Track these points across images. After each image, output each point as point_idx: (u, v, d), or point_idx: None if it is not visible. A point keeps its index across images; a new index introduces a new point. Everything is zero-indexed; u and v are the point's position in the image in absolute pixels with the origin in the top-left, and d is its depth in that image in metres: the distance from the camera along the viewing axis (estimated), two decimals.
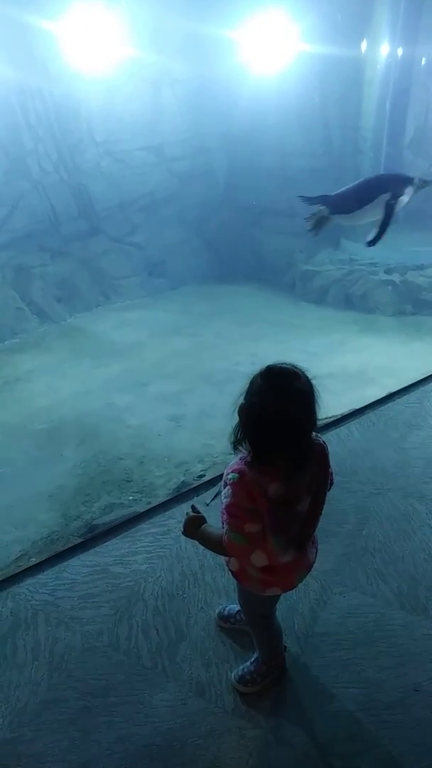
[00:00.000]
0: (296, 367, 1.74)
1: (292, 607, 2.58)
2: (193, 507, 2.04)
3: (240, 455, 1.84)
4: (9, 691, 2.34)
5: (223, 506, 1.83)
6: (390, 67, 9.22)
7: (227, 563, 2.05)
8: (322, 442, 1.91)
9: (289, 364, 1.75)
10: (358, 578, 2.75)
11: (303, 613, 2.57)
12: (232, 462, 1.87)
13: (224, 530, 1.85)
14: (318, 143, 10.15)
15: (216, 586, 2.73)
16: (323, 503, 1.94)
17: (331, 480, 1.98)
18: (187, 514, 2.01)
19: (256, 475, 1.77)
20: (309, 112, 9.84)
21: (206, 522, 1.99)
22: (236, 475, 1.79)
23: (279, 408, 1.70)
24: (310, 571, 2.07)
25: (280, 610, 2.32)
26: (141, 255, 10.63)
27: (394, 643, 2.43)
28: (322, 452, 1.89)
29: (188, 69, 9.93)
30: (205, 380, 6.82)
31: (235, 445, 1.82)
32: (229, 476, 1.82)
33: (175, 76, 10.16)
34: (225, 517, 1.83)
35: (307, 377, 1.74)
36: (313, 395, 1.73)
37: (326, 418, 3.86)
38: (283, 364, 1.74)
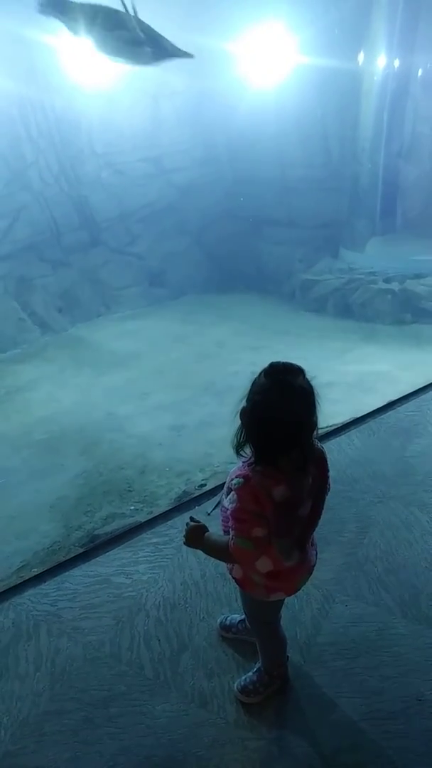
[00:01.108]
0: (298, 366, 1.75)
1: (294, 617, 2.58)
2: (191, 518, 2.03)
3: (242, 460, 1.85)
4: (11, 702, 2.33)
5: (229, 512, 1.84)
6: (387, 78, 9.30)
7: (230, 571, 2.06)
8: (320, 447, 1.92)
9: (292, 363, 1.76)
10: (360, 587, 2.74)
11: (305, 623, 2.57)
12: (234, 468, 1.88)
13: (231, 536, 1.85)
14: (317, 154, 10.22)
15: (218, 596, 2.73)
16: (323, 507, 1.96)
17: (328, 486, 1.99)
18: (186, 524, 2.01)
19: (260, 478, 1.78)
20: (307, 123, 9.91)
21: (208, 530, 1.99)
22: (241, 480, 1.80)
23: (283, 404, 1.71)
24: (311, 573, 2.07)
25: (283, 619, 2.31)
26: (141, 265, 10.68)
27: (396, 652, 2.42)
28: (321, 457, 1.91)
29: (187, 81, 10.01)
30: (205, 389, 6.83)
31: (238, 449, 1.83)
32: (234, 482, 1.82)
33: (175, 88, 10.25)
34: (231, 522, 1.84)
35: (307, 378, 1.76)
36: (315, 394, 1.74)
37: (327, 427, 3.86)
38: (286, 362, 1.75)
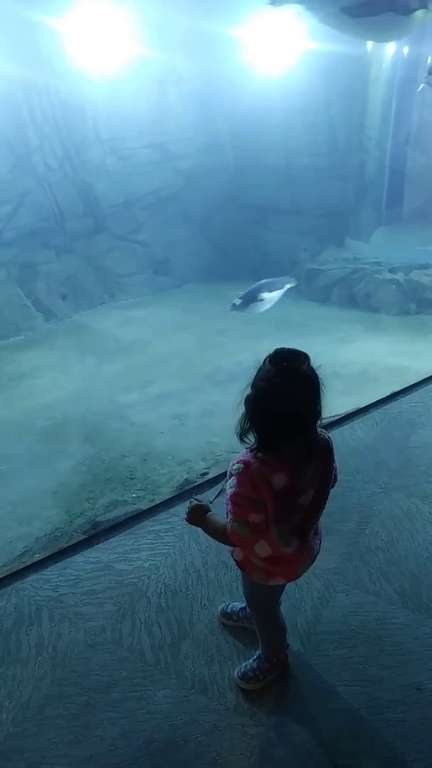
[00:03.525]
0: (304, 352, 1.75)
1: (294, 605, 2.59)
2: (195, 498, 2.06)
3: (246, 447, 1.86)
4: (12, 686, 2.35)
5: (228, 496, 1.86)
6: (396, 66, 9.19)
7: (232, 553, 2.07)
8: (327, 437, 1.92)
9: (297, 349, 1.76)
10: (361, 577, 2.75)
11: (305, 612, 2.58)
12: (238, 455, 1.89)
13: (228, 519, 1.87)
14: (323, 142, 10.13)
15: (219, 584, 2.74)
16: (326, 498, 1.96)
17: (335, 477, 1.99)
18: (190, 502, 2.03)
19: (261, 465, 1.79)
20: (314, 110, 9.82)
21: (211, 511, 2.00)
22: (241, 466, 1.82)
23: (287, 390, 1.72)
24: (313, 562, 2.08)
25: (283, 607, 2.32)
26: (145, 253, 10.64)
27: (396, 641, 2.43)
28: (327, 447, 1.91)
29: (193, 67, 9.91)
30: (208, 378, 6.83)
31: (241, 436, 1.84)
32: (234, 467, 1.84)
33: (181, 73, 10.15)
34: (229, 506, 1.86)
35: (312, 365, 1.76)
36: (319, 382, 1.74)
37: (330, 417, 3.86)
38: (291, 348, 1.75)
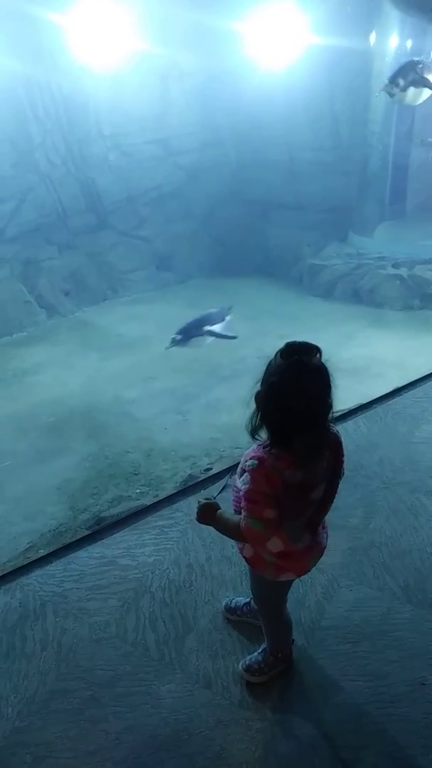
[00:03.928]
0: (315, 345, 1.75)
1: (298, 600, 2.59)
2: (205, 498, 2.06)
3: (257, 443, 1.86)
4: (18, 680, 2.37)
5: (242, 492, 1.85)
6: (399, 59, 9.13)
7: (241, 550, 2.07)
8: (336, 431, 1.92)
9: (309, 342, 1.75)
10: (365, 572, 2.75)
11: (309, 607, 2.59)
12: (248, 450, 1.89)
13: (242, 516, 1.86)
14: (326, 136, 10.07)
15: (223, 579, 2.74)
16: (336, 491, 1.96)
17: (342, 471, 1.99)
18: (199, 501, 2.03)
19: (274, 461, 1.79)
20: (317, 105, 9.76)
21: (221, 508, 2.00)
22: (255, 462, 1.81)
23: (300, 384, 1.71)
24: (322, 555, 2.08)
25: (288, 603, 2.32)
26: (148, 249, 10.62)
27: (400, 636, 2.44)
28: (336, 441, 1.92)
29: (196, 62, 9.87)
30: (211, 374, 6.82)
31: (253, 433, 1.83)
32: (248, 463, 1.83)
33: (183, 69, 10.10)
34: (243, 503, 1.85)
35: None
36: (330, 375, 1.74)
37: (333, 412, 3.85)
38: (303, 341, 1.75)
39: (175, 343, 6.61)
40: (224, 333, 6.96)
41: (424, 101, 8.01)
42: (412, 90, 7.44)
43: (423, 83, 7.39)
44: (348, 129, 9.95)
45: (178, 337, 6.60)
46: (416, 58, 7.74)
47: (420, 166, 9.87)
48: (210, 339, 6.81)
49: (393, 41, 8.99)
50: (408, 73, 7.38)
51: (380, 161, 9.80)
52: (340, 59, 9.17)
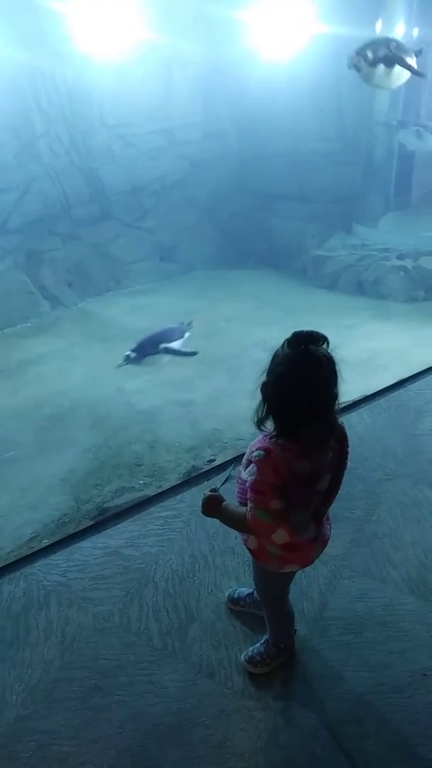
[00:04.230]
0: (322, 334, 1.74)
1: (301, 591, 2.60)
2: (211, 490, 2.05)
3: (263, 433, 1.85)
4: (22, 669, 2.38)
5: (248, 484, 1.84)
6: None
7: (245, 542, 2.07)
8: (341, 422, 1.92)
9: (315, 331, 1.74)
10: (368, 563, 2.76)
11: (312, 598, 2.59)
12: (254, 441, 1.88)
13: (249, 507, 1.85)
14: (331, 127, 10.00)
15: (226, 570, 2.75)
16: (341, 482, 1.96)
17: (346, 462, 1.99)
18: (204, 494, 2.03)
19: (281, 451, 1.78)
20: (322, 95, 9.68)
21: (225, 500, 2.00)
22: (262, 453, 1.80)
23: (308, 373, 1.71)
24: (326, 546, 2.08)
25: (291, 594, 2.33)
26: (152, 240, 10.59)
27: (402, 628, 2.44)
28: (342, 432, 1.91)
29: (201, 51, 9.79)
30: (215, 366, 6.81)
31: (259, 424, 1.83)
32: (254, 454, 1.82)
33: (188, 58, 10.02)
34: (250, 494, 1.84)
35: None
36: (336, 364, 1.74)
37: (339, 403, 3.85)
38: (309, 330, 1.74)
39: (128, 360, 6.21)
40: (182, 350, 6.52)
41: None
42: (382, 68, 6.53)
43: (396, 61, 6.50)
44: (353, 119, 9.88)
45: (133, 354, 6.21)
46: (391, 37, 7.05)
47: (425, 157, 9.79)
48: (167, 357, 6.41)
49: (399, 30, 8.89)
50: (379, 48, 6.48)
51: (385, 152, 9.74)
52: (346, 48, 9.07)
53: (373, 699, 2.19)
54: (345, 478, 1.99)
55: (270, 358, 1.77)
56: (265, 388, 1.77)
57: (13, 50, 8.30)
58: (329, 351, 1.74)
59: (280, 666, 2.30)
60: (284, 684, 2.26)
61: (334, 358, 1.74)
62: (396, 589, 2.62)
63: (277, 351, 1.76)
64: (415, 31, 8.83)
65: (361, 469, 3.38)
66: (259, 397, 1.79)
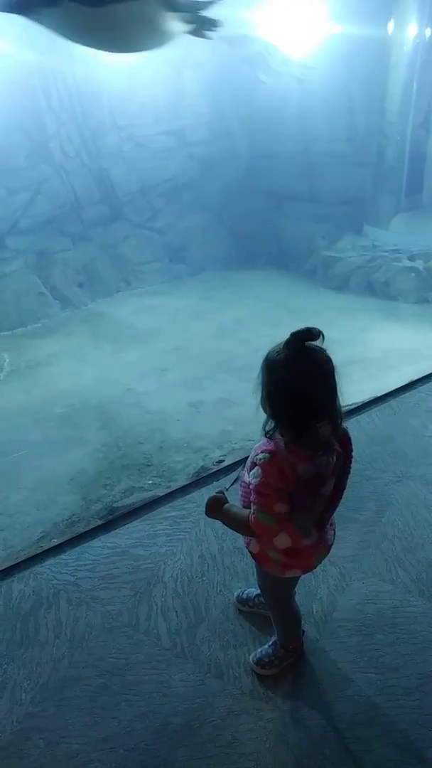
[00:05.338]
0: (318, 329, 1.74)
1: (310, 593, 2.59)
2: (219, 490, 2.05)
3: (268, 435, 1.84)
4: (31, 667, 2.39)
5: (252, 486, 1.84)
6: (417, 49, 9.01)
7: (247, 545, 2.07)
8: (345, 427, 1.91)
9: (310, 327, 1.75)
10: (377, 565, 2.75)
11: (321, 599, 2.59)
12: (258, 444, 1.88)
13: (252, 510, 1.85)
14: (342, 127, 9.98)
15: (235, 570, 2.75)
16: (345, 487, 1.95)
17: (349, 468, 1.98)
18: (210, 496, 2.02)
19: (287, 454, 1.78)
20: (333, 95, 9.67)
21: (228, 502, 2.00)
22: (267, 455, 1.79)
23: (313, 368, 1.71)
24: (328, 552, 2.07)
25: (299, 595, 2.33)
26: (162, 241, 10.61)
27: (412, 630, 2.43)
28: (346, 436, 1.90)
29: (211, 51, 9.79)
30: (224, 366, 6.82)
31: (271, 437, 1.82)
32: (259, 456, 1.81)
33: (198, 58, 10.03)
34: (254, 497, 1.84)
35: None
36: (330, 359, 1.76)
37: (347, 405, 3.82)
38: (306, 327, 1.74)
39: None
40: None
41: None
42: None
43: None
44: (364, 120, 9.86)
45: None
46: None
47: None
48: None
49: (411, 30, 8.86)
50: None
51: (396, 152, 9.71)
52: (357, 49, 9.07)
53: (382, 701, 2.18)
54: (354, 479, 1.99)
55: (260, 373, 1.77)
56: (270, 398, 1.76)
57: (25, 51, 8.34)
58: (325, 347, 1.75)
59: (289, 667, 2.30)
60: (293, 685, 2.26)
61: (329, 354, 1.75)
62: (406, 591, 2.60)
63: (269, 361, 1.75)
64: (428, 32, 8.79)
65: (370, 471, 3.37)
66: (264, 403, 1.79)
